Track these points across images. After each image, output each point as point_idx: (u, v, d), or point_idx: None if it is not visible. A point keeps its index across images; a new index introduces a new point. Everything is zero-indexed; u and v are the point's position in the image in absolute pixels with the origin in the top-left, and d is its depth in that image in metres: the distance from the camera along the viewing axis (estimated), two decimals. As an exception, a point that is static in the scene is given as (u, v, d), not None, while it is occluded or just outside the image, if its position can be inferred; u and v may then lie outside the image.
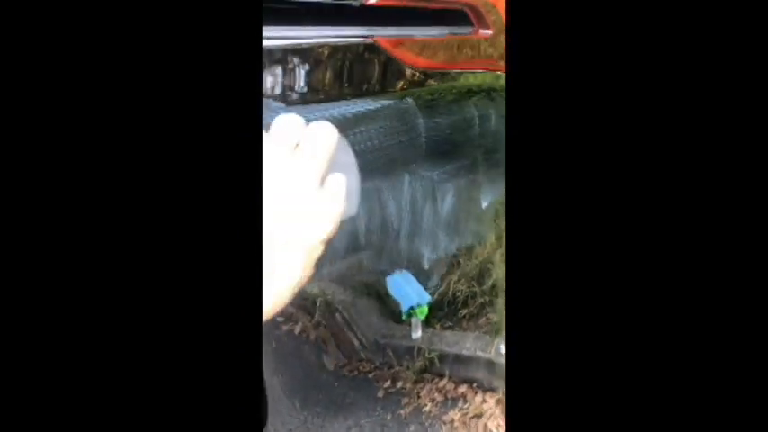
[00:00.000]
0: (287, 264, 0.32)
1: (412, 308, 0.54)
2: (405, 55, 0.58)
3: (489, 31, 0.70)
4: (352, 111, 0.51)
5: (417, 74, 0.65)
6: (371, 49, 0.55)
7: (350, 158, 0.43)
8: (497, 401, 0.65)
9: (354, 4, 0.46)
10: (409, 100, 0.58)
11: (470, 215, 0.70)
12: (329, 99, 0.55)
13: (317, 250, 0.34)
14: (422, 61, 0.61)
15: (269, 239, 0.31)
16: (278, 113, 0.39)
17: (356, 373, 0.51)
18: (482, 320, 0.65)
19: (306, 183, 0.33)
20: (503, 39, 0.71)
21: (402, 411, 0.54)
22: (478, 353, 0.65)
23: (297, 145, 0.36)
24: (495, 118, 0.70)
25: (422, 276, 0.63)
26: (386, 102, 0.57)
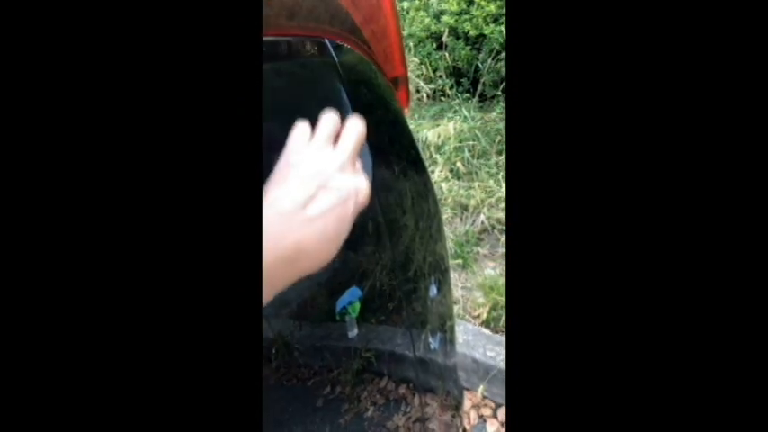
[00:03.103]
0: (338, 232, 0.37)
1: (344, 308, 0.51)
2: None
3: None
4: None
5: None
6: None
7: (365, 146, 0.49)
8: (440, 405, 0.63)
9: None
10: None
11: None
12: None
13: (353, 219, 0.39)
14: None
15: (323, 210, 0.36)
16: None
17: (295, 381, 0.46)
18: (404, 314, 0.64)
19: (345, 166, 0.39)
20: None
21: (342, 420, 0.50)
22: (406, 351, 0.64)
23: (335, 137, 0.42)
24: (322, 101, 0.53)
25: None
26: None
